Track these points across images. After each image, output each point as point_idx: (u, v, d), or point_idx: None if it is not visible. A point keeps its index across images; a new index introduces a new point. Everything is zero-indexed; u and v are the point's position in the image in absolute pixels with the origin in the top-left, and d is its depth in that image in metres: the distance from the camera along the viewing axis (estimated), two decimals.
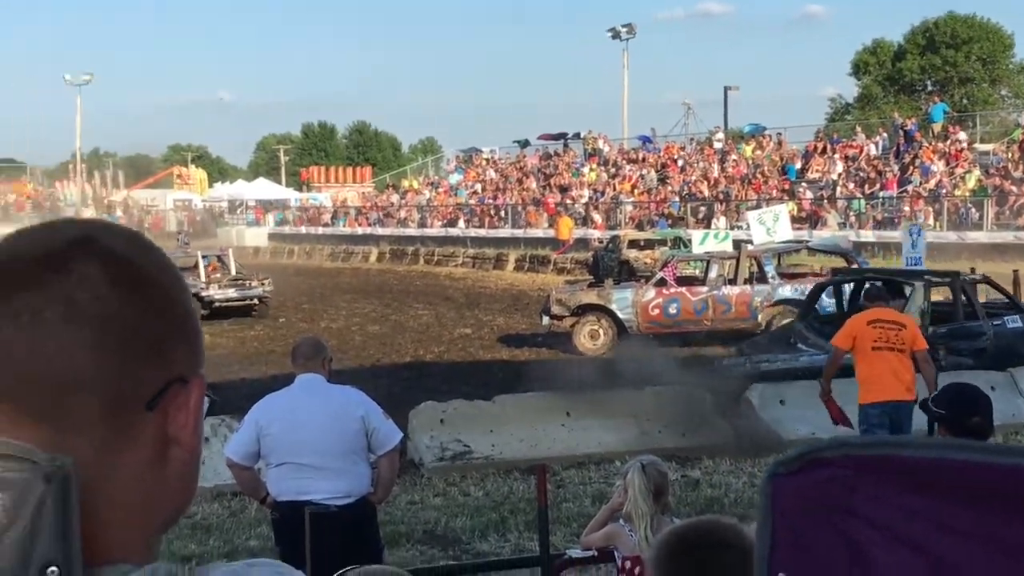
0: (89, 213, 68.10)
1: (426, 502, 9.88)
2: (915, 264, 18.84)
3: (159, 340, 0.95)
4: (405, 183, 63.91)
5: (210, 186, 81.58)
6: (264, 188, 72.67)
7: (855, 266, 18.67)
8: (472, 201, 52.27)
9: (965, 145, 36.64)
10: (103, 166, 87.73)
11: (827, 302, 16.13)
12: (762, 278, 19.68)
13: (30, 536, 0.83)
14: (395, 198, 58.73)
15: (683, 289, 19.73)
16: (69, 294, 0.91)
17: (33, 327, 0.90)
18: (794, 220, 28.36)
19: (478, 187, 54.49)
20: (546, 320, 20.26)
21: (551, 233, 41.21)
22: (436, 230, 49.83)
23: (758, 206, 30.61)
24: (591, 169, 49.14)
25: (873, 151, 39.08)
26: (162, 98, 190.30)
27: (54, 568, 0.83)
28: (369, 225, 54.67)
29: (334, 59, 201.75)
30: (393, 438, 6.05)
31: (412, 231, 51.16)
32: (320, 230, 57.35)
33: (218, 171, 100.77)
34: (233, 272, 28.18)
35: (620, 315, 19.56)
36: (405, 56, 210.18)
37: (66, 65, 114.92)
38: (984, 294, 15.34)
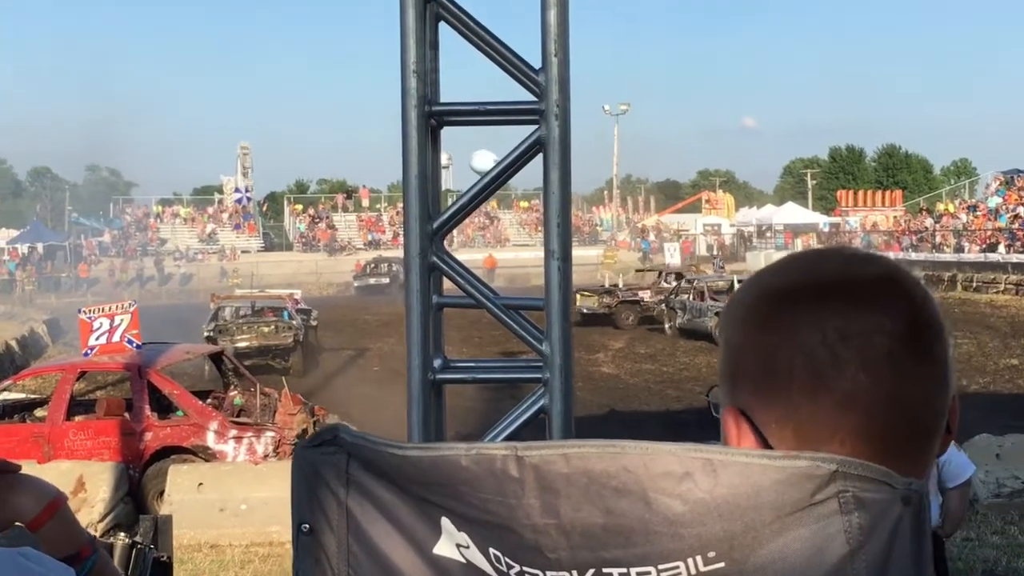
0: (623, 237, 71.82)
1: (983, 539, 9.55)
2: None
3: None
4: (940, 206, 61.47)
5: (736, 210, 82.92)
6: (792, 212, 72.70)
7: None
8: (1015, 225, 49.28)
9: None
10: (635, 192, 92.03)
11: None
12: None
13: (884, 556, 0.84)
14: (929, 222, 56.66)
15: None
16: None
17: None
18: None
19: (1021, 210, 51.17)
20: None
21: None
22: (974, 255, 47.67)
23: None
24: None
25: None
26: (690, 125, 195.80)
27: None
28: (901, 250, 53.20)
29: (860, 83, 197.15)
30: (966, 471, 5.98)
31: (948, 256, 49.24)
32: None
33: (744, 196, 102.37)
34: None
35: None
36: (932, 76, 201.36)
37: (606, 96, 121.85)
38: None
